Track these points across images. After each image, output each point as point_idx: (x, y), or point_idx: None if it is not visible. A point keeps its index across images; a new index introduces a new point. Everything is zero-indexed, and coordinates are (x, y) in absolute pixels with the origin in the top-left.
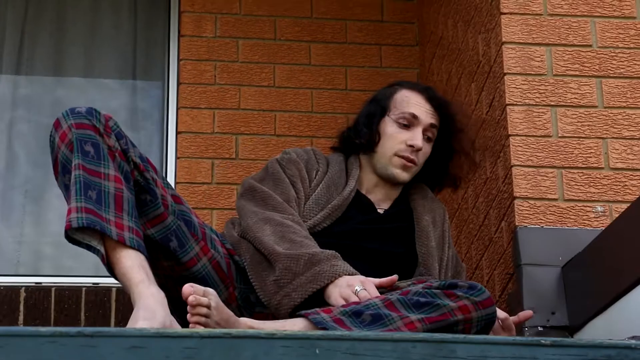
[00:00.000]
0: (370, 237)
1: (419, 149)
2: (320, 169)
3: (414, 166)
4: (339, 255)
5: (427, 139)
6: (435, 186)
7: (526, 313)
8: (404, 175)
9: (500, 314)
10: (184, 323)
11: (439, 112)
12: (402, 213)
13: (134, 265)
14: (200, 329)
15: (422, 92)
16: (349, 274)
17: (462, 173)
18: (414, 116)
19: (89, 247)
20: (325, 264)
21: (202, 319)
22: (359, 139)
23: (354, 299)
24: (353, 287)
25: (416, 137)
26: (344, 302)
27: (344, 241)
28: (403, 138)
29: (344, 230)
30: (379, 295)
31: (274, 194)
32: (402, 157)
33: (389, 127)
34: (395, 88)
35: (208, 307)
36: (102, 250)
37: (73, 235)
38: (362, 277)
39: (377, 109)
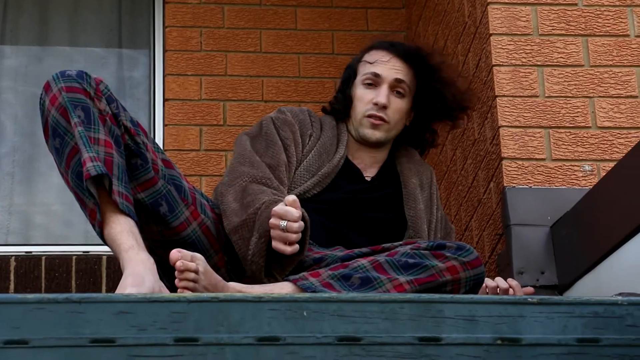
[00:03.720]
0: (358, 205)
1: (383, 106)
2: (314, 134)
3: (384, 124)
4: (276, 198)
5: (397, 94)
6: (447, 115)
7: (527, 289)
8: (376, 134)
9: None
10: (174, 287)
11: (409, 63)
12: (389, 178)
13: (123, 230)
14: (188, 294)
15: (387, 49)
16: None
17: (464, 100)
18: (376, 74)
19: (94, 200)
20: (263, 214)
21: (190, 284)
22: (336, 105)
23: (283, 235)
24: (279, 226)
25: (380, 94)
26: (283, 248)
27: (333, 208)
28: (369, 97)
29: (333, 199)
30: (298, 214)
31: (256, 156)
32: (370, 116)
33: (358, 90)
34: (366, 50)
35: (196, 272)
36: (98, 214)
37: (89, 186)
38: (282, 208)
39: (349, 74)
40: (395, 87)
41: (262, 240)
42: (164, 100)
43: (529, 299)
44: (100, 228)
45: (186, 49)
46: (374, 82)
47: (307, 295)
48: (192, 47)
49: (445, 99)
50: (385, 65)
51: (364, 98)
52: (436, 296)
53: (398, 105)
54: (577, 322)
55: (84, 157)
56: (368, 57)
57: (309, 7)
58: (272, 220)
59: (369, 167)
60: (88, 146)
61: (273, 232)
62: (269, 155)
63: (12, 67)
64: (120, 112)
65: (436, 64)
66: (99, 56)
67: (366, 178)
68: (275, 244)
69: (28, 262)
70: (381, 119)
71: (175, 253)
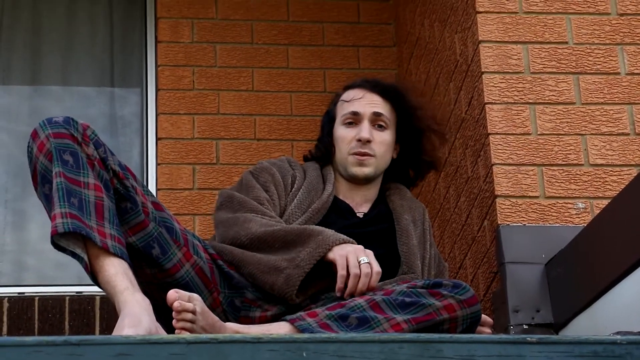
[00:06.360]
0: None
1: (367, 140)
2: (298, 175)
3: (370, 158)
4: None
5: (378, 127)
6: (416, 176)
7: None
8: (363, 170)
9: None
10: (170, 330)
11: (386, 98)
12: (382, 215)
13: (117, 272)
14: (187, 335)
15: (362, 86)
16: (351, 242)
17: (435, 151)
18: (355, 113)
19: (74, 255)
20: (328, 232)
21: (188, 325)
22: (319, 151)
23: (354, 264)
24: (357, 254)
25: (362, 130)
26: (344, 263)
27: None
28: (351, 136)
29: None
30: (380, 271)
31: (249, 198)
32: (355, 153)
33: (339, 131)
34: (341, 92)
35: (193, 312)
36: (86, 258)
37: (58, 241)
38: (367, 250)
39: (328, 118)
40: (375, 121)
41: (320, 251)
42: (157, 139)
43: (529, 339)
44: (94, 273)
45: (178, 87)
46: (354, 120)
47: (307, 335)
48: (184, 86)
49: (421, 142)
50: (362, 101)
51: (346, 137)
52: (435, 336)
53: (381, 138)
54: None
55: (55, 212)
56: (344, 98)
57: (300, 45)
58: (353, 253)
59: (360, 205)
60: (62, 200)
61: (352, 261)
62: (251, 197)
63: (3, 106)
64: (108, 156)
65: (412, 106)
66: (91, 95)
67: (358, 215)
68: (341, 269)
69: (21, 304)
70: (367, 154)
71: (172, 293)
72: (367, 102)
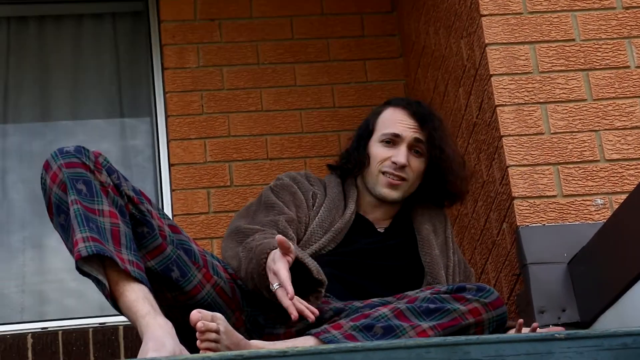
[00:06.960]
0: (374, 255)
1: (403, 165)
2: (318, 192)
3: (402, 183)
4: (266, 232)
5: (415, 153)
6: (441, 202)
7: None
8: (393, 194)
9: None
10: (194, 352)
11: (423, 127)
12: (402, 227)
13: (138, 297)
14: (212, 354)
15: (405, 108)
16: (271, 250)
17: (459, 189)
18: (396, 135)
19: (97, 280)
20: (257, 250)
21: (212, 344)
22: (350, 163)
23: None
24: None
25: (400, 153)
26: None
27: (350, 259)
28: (387, 155)
29: (346, 251)
30: (288, 274)
31: (254, 224)
32: (387, 173)
33: (375, 148)
34: (382, 107)
35: (217, 332)
36: (107, 283)
37: (82, 266)
38: (276, 267)
39: (364, 131)
40: (413, 146)
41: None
42: (170, 165)
43: (557, 335)
44: (114, 299)
45: (188, 112)
46: (393, 141)
47: (332, 346)
48: (193, 111)
49: (444, 179)
50: (403, 125)
51: (381, 155)
52: (462, 338)
53: (416, 164)
54: (606, 355)
55: (76, 237)
56: (386, 115)
57: (307, 62)
58: (274, 271)
59: (381, 220)
60: (82, 226)
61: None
62: (271, 216)
63: (16, 144)
64: (122, 182)
65: (443, 154)
66: (101, 127)
67: (379, 230)
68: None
69: (45, 338)
70: (400, 178)
71: (195, 314)
72: (410, 126)
